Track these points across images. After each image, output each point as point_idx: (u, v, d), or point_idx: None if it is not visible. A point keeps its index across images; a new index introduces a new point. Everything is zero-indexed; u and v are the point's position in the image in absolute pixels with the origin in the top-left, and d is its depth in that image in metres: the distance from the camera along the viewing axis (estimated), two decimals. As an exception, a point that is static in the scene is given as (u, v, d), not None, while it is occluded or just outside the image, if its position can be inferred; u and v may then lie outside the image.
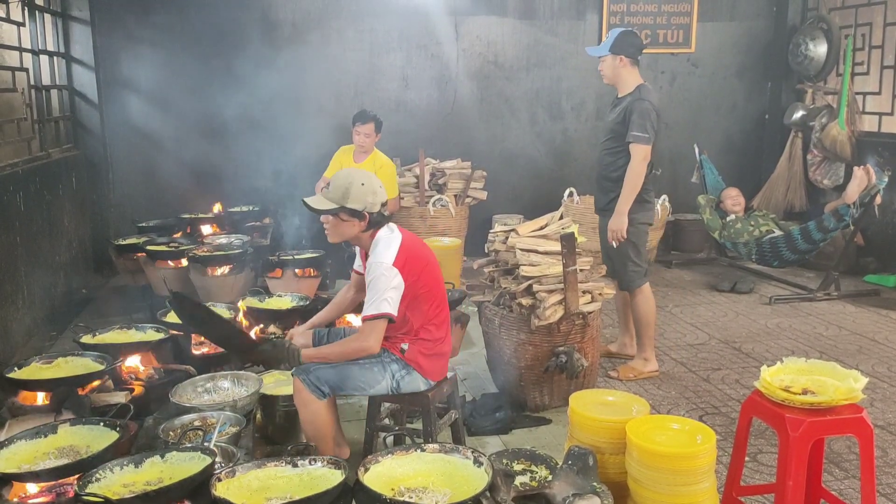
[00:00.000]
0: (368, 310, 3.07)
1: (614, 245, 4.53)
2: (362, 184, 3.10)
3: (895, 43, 7.04)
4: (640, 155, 4.38)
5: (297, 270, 5.45)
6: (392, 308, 3.06)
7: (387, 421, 3.52)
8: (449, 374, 3.43)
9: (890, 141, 7.06)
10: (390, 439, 3.62)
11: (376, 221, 3.16)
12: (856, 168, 6.21)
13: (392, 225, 3.24)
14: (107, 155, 7.18)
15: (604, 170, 4.65)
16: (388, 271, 3.05)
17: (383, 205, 3.18)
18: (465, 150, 7.61)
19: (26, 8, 5.73)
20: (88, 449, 2.75)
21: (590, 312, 4.14)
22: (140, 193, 7.23)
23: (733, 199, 6.95)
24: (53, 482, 2.65)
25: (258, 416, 3.59)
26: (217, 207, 6.84)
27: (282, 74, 7.37)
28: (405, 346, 3.21)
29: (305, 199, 3.18)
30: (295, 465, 2.61)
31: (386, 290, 3.04)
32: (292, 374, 3.19)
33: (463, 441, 3.47)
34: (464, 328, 4.68)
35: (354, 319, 4.53)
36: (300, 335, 3.42)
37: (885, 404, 4.27)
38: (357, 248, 3.43)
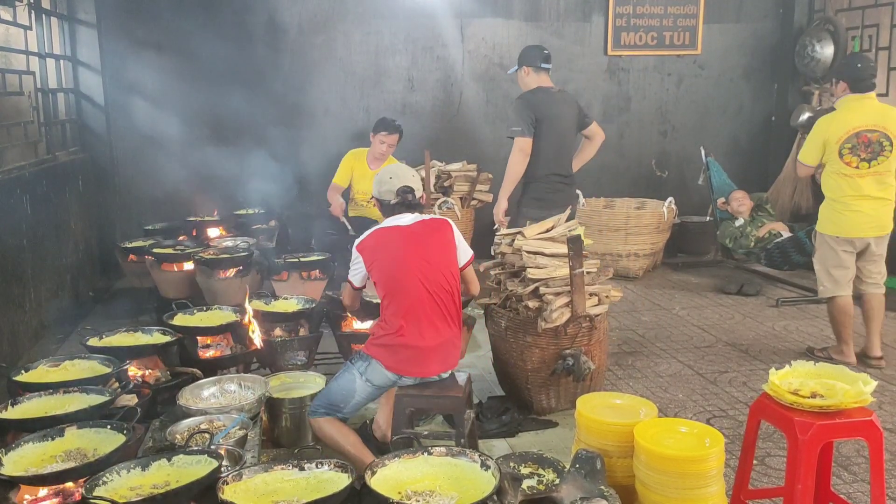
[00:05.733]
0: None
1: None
2: (377, 173, 3.58)
3: (902, 44, 7.03)
4: (514, 147, 4.86)
5: (303, 273, 5.45)
6: (356, 280, 3.53)
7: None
8: (460, 376, 3.46)
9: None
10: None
11: (386, 208, 3.49)
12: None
13: (419, 217, 3.44)
14: (113, 158, 7.21)
15: None
16: (353, 251, 3.46)
17: (398, 194, 3.44)
18: (471, 152, 7.61)
19: (33, 12, 5.75)
20: (95, 452, 2.74)
21: (597, 315, 4.12)
22: (146, 196, 7.24)
23: (739, 200, 6.93)
24: (60, 485, 2.65)
25: (265, 419, 3.59)
26: (216, 211, 6.85)
27: (288, 77, 7.39)
28: (370, 336, 3.48)
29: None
30: (302, 469, 2.60)
31: (353, 264, 3.50)
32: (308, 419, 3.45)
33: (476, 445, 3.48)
34: (470, 331, 4.67)
35: (358, 324, 4.56)
36: None
37: (895, 407, 4.24)
38: None
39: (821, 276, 4.90)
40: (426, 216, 3.47)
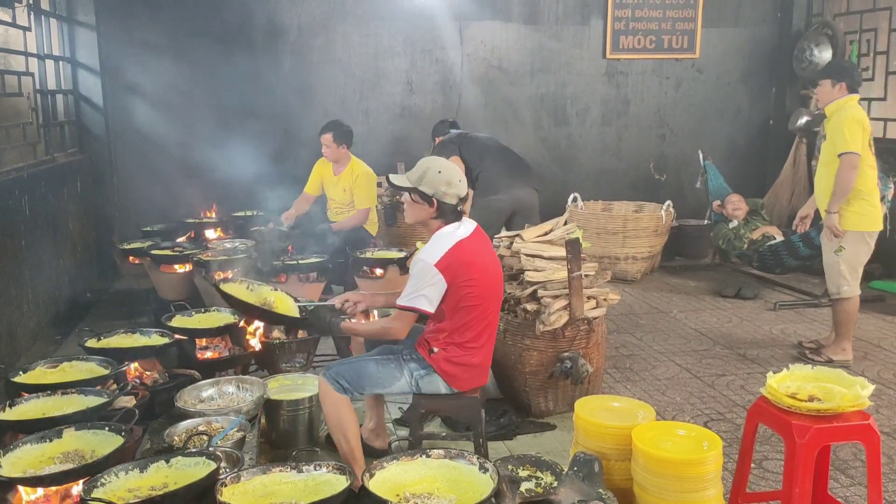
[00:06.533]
0: (403, 300, 3.12)
1: None
2: (439, 171, 3.12)
3: (900, 49, 7.05)
4: None
5: (301, 275, 5.45)
6: (428, 305, 3.09)
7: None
8: None
9: (895, 147, 7.05)
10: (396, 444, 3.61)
11: (446, 212, 3.15)
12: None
13: (466, 223, 3.21)
14: (112, 159, 7.20)
15: None
16: (429, 270, 3.05)
17: (461, 199, 3.16)
18: (470, 154, 7.61)
19: (32, 13, 5.75)
20: (93, 453, 2.74)
21: (595, 318, 4.13)
22: (144, 198, 7.24)
23: (735, 204, 6.95)
24: (58, 487, 2.65)
25: (263, 421, 3.59)
26: (211, 212, 6.86)
27: (287, 79, 7.40)
28: (436, 349, 3.19)
29: (389, 176, 3.25)
30: (300, 471, 2.60)
31: (424, 287, 3.06)
32: (319, 375, 3.28)
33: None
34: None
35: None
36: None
37: (892, 411, 4.25)
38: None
39: (847, 275, 4.81)
40: (469, 223, 3.24)
